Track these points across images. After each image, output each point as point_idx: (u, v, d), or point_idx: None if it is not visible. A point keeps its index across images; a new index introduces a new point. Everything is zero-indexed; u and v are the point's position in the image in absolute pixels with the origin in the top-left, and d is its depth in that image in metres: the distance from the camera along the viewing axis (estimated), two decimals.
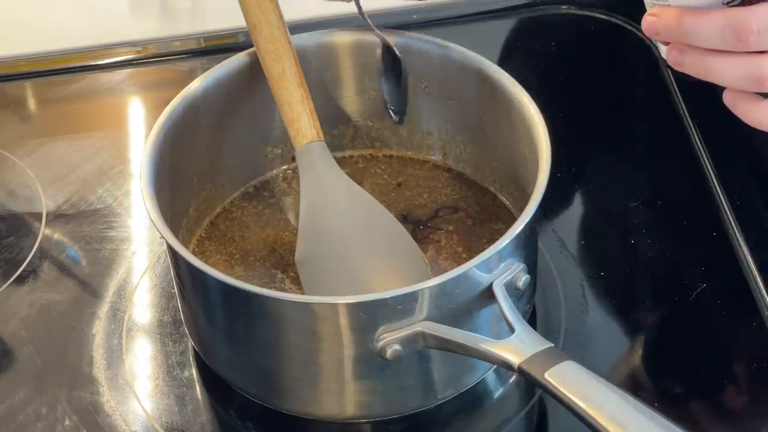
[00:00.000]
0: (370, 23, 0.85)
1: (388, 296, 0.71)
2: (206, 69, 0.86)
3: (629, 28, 1.06)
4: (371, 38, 0.87)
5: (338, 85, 0.90)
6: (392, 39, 0.86)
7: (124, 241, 0.92)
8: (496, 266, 0.74)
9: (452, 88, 0.87)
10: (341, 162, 0.90)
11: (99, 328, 0.86)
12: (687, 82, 0.72)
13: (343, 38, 0.88)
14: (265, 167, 0.91)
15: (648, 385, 0.81)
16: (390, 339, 0.72)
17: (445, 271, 0.74)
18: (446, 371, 0.77)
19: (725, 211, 0.90)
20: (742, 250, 0.87)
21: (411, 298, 0.72)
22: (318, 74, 0.88)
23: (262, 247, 0.86)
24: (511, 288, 0.75)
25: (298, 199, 0.85)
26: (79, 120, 1.05)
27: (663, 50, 0.73)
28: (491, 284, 0.74)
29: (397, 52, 0.86)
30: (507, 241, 0.74)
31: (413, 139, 0.91)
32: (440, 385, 0.78)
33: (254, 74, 0.86)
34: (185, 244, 0.84)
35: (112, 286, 0.89)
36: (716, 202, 0.91)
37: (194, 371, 0.83)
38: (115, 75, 1.07)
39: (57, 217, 0.94)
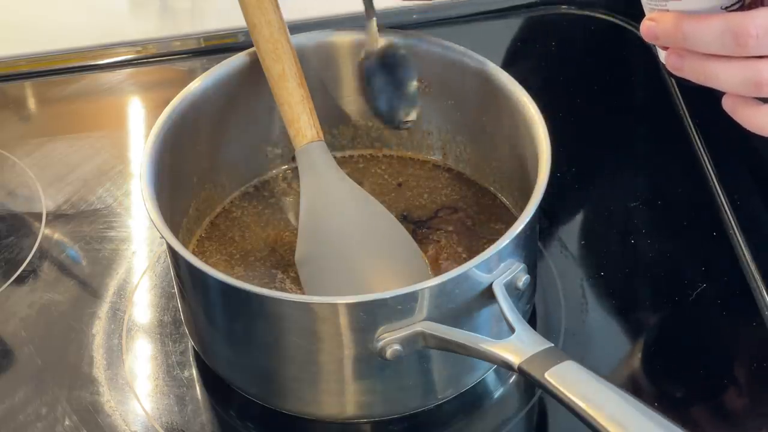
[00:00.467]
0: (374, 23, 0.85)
1: (388, 296, 0.71)
2: (206, 69, 0.86)
3: (629, 28, 1.06)
4: None
5: (338, 85, 0.90)
6: (393, 39, 0.86)
7: (124, 241, 0.92)
8: (496, 266, 0.74)
9: (452, 88, 0.87)
10: (341, 162, 0.90)
11: (99, 328, 0.86)
12: (687, 82, 0.72)
13: (343, 38, 0.88)
14: (265, 167, 0.91)
15: (648, 385, 0.81)
16: (390, 339, 0.72)
17: (445, 271, 0.74)
18: (446, 371, 0.77)
19: (725, 211, 0.90)
20: (742, 250, 0.87)
21: (411, 298, 0.72)
22: (318, 74, 0.88)
23: (262, 247, 0.86)
24: (511, 288, 0.75)
25: (298, 199, 0.85)
26: (79, 120, 1.05)
27: (662, 55, 0.73)
28: (491, 284, 0.74)
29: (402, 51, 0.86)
30: (507, 241, 0.74)
31: (413, 139, 0.91)
32: (440, 385, 0.78)
33: (254, 74, 0.86)
34: (185, 244, 0.84)
35: (112, 286, 0.89)
36: (716, 203, 0.91)
37: (194, 371, 0.83)
38: (115, 75, 1.07)
39: (57, 217, 0.94)
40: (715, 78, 0.70)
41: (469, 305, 0.74)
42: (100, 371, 0.83)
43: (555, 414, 0.80)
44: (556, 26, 1.09)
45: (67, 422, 0.81)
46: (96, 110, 1.06)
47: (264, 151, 0.90)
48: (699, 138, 0.95)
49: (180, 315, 0.84)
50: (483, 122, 0.87)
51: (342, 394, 0.77)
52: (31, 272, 0.90)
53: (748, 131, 0.72)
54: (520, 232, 0.74)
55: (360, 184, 0.87)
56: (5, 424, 0.81)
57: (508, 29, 1.08)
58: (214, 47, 1.07)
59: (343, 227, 0.84)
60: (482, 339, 0.72)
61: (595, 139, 0.98)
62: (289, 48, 0.85)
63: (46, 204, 0.95)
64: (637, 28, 1.03)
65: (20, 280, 0.90)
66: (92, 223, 0.93)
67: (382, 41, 0.86)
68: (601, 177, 0.96)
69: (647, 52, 1.03)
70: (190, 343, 0.84)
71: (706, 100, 0.78)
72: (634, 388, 0.80)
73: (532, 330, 0.72)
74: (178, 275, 0.79)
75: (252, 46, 0.86)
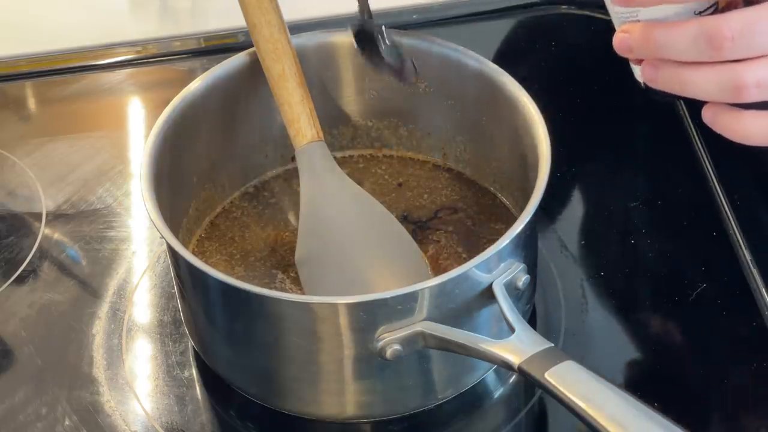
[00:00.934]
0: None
1: (388, 296, 0.71)
2: (206, 69, 0.86)
3: None
4: None
5: (338, 85, 0.90)
6: (392, 38, 0.86)
7: (124, 241, 0.92)
8: (496, 266, 0.74)
9: (452, 88, 0.87)
10: (341, 162, 0.90)
11: (99, 328, 0.86)
12: (664, 96, 0.72)
13: (343, 38, 0.88)
14: (265, 167, 0.91)
15: (648, 385, 0.81)
16: (390, 339, 0.72)
17: (445, 271, 0.74)
18: (446, 371, 0.77)
19: (725, 211, 0.90)
20: (742, 250, 0.87)
21: (411, 298, 0.72)
22: (318, 74, 0.88)
23: (263, 247, 0.86)
24: (511, 288, 0.75)
25: (298, 199, 0.85)
26: (79, 120, 1.05)
27: (636, 72, 0.72)
28: (491, 284, 0.74)
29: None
30: (507, 241, 0.74)
31: (413, 139, 0.91)
32: (440, 385, 0.78)
33: (254, 74, 0.86)
34: (185, 244, 0.84)
35: (112, 286, 0.89)
36: (716, 202, 0.91)
37: (194, 371, 0.83)
38: (115, 75, 1.07)
39: (57, 217, 0.94)
40: (692, 86, 0.68)
41: (469, 305, 0.74)
42: (100, 371, 0.83)
43: (555, 414, 0.80)
44: (556, 26, 1.09)
45: (67, 422, 0.81)
46: (96, 110, 1.06)
47: (264, 151, 0.90)
48: (699, 138, 0.95)
49: (180, 315, 0.84)
50: (483, 122, 0.87)
51: (342, 394, 0.77)
52: (31, 272, 0.90)
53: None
54: (520, 232, 0.74)
55: (360, 184, 0.87)
56: (5, 424, 0.81)
57: (507, 29, 1.08)
58: (214, 47, 1.07)
59: (343, 227, 0.84)
60: (482, 339, 0.72)
61: (595, 139, 0.98)
62: (289, 48, 0.85)
63: (46, 204, 0.95)
64: None
65: (20, 280, 0.90)
66: (92, 223, 0.93)
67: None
68: (601, 177, 0.96)
69: None
70: (190, 343, 0.84)
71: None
72: (634, 388, 0.80)
73: (532, 330, 0.72)
74: (178, 275, 0.79)
75: (252, 46, 0.86)
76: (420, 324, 0.72)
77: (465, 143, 0.89)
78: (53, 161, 0.99)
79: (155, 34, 1.09)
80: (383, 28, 0.85)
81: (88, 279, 0.89)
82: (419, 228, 0.87)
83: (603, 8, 0.72)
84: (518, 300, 0.76)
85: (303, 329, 0.74)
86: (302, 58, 0.85)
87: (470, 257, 0.74)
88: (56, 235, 0.93)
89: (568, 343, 0.83)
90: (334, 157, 0.86)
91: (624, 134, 0.99)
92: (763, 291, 0.84)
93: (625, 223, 0.92)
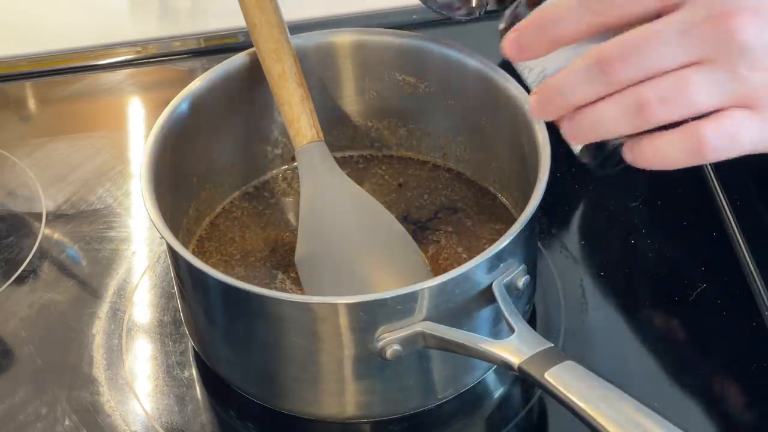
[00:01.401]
0: None
1: (388, 296, 0.71)
2: (206, 69, 0.86)
3: None
4: (371, 38, 0.87)
5: (338, 85, 0.90)
6: (393, 39, 0.86)
7: (124, 241, 0.92)
8: (496, 266, 0.74)
9: (452, 88, 0.87)
10: (341, 162, 0.90)
11: (99, 328, 0.86)
12: (595, 161, 0.72)
13: (343, 38, 0.88)
14: (265, 167, 0.91)
15: (648, 385, 0.81)
16: (390, 339, 0.72)
17: (445, 271, 0.74)
18: (446, 371, 0.77)
19: (725, 211, 0.90)
20: (742, 250, 0.87)
21: (411, 298, 0.72)
22: (318, 74, 0.88)
23: (263, 248, 0.86)
24: (510, 288, 0.75)
25: (298, 199, 0.85)
26: (79, 120, 1.05)
27: (576, 149, 0.71)
28: (491, 284, 0.74)
29: None
30: (507, 241, 0.74)
31: (413, 139, 0.91)
32: (440, 385, 0.78)
33: (254, 74, 0.86)
34: (185, 244, 0.84)
35: (112, 286, 0.89)
36: (716, 202, 0.91)
37: (194, 371, 0.83)
38: (115, 75, 1.07)
39: (57, 217, 0.94)
40: (605, 122, 0.66)
41: (469, 305, 0.74)
42: (100, 371, 0.83)
43: (555, 414, 0.80)
44: None
45: (67, 422, 0.81)
46: (96, 110, 1.06)
47: (264, 151, 0.90)
48: None
49: (180, 315, 0.84)
50: (483, 122, 0.87)
51: (342, 394, 0.77)
52: (31, 272, 0.90)
53: None
54: (520, 232, 0.74)
55: (360, 184, 0.87)
56: (5, 424, 0.81)
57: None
58: (214, 47, 1.07)
59: (343, 227, 0.84)
60: (482, 339, 0.72)
61: None
62: (289, 48, 0.85)
63: (46, 204, 0.95)
64: None
65: (20, 280, 0.90)
66: (92, 223, 0.93)
67: None
68: (601, 177, 0.96)
69: None
70: (190, 343, 0.84)
71: None
72: (634, 388, 0.80)
73: (532, 330, 0.72)
74: (178, 275, 0.79)
75: (252, 46, 0.86)
76: (420, 324, 0.72)
77: (465, 143, 0.89)
78: (53, 161, 0.99)
79: (155, 34, 1.09)
80: None
81: (88, 279, 0.89)
82: (419, 228, 0.87)
83: None
84: (518, 300, 0.76)
85: (303, 329, 0.74)
86: (302, 58, 0.85)
87: (470, 257, 0.74)
88: (56, 235, 0.93)
89: (568, 343, 0.83)
90: (334, 158, 0.86)
91: None
92: (763, 291, 0.84)
93: (625, 223, 0.92)
